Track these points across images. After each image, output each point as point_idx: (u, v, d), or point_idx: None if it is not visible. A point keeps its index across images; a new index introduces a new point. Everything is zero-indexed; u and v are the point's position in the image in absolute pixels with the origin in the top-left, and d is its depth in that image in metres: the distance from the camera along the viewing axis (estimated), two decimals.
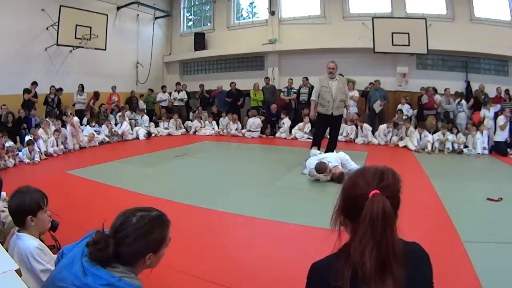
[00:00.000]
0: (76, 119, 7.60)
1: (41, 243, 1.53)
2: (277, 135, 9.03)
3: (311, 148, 5.56)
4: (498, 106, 7.44)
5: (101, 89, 9.63)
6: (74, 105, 9.02)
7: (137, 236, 1.10)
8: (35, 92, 7.92)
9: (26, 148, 5.97)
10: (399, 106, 8.57)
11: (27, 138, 6.25)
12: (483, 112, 7.55)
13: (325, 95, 5.37)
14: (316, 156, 4.81)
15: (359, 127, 8.26)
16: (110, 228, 1.13)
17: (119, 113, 9.11)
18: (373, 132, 8.18)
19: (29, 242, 1.47)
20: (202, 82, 11.18)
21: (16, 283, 0.95)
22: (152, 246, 1.13)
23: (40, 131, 6.72)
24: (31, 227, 1.54)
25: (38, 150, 6.12)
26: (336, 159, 4.63)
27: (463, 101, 8.19)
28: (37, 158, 5.95)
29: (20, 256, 1.43)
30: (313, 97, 5.61)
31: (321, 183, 4.41)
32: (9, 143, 5.97)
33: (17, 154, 5.88)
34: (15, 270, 1.03)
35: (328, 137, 5.78)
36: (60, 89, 8.49)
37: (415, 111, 8.66)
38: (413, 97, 8.83)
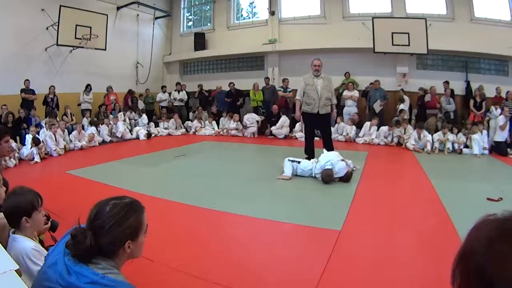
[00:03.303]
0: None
1: (37, 244, 1.53)
2: (273, 131, 8.98)
3: (305, 152, 5.47)
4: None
5: (101, 89, 9.63)
6: (79, 104, 9.05)
7: (112, 223, 1.11)
8: (33, 90, 7.90)
9: (34, 148, 5.97)
10: (401, 106, 8.56)
11: (27, 137, 6.25)
12: (492, 110, 7.54)
13: (311, 93, 5.27)
14: (310, 161, 4.79)
15: (373, 126, 8.13)
16: (86, 221, 1.14)
17: (119, 113, 9.12)
18: None
19: (25, 243, 1.47)
20: (202, 82, 11.18)
21: (16, 283, 0.95)
22: (129, 233, 1.14)
23: (43, 131, 6.73)
24: (26, 228, 1.54)
25: (37, 150, 6.10)
26: (326, 159, 4.54)
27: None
28: (37, 159, 5.93)
29: (17, 258, 1.43)
30: (297, 97, 5.44)
31: (320, 183, 4.40)
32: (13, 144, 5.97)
33: (19, 151, 5.91)
34: (15, 270, 1.03)
35: (322, 138, 5.67)
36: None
37: (415, 110, 8.67)
38: (413, 97, 8.81)
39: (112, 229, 1.11)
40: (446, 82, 8.43)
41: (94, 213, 1.14)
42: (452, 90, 8.27)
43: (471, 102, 8.09)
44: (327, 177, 4.33)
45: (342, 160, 4.58)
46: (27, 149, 6.05)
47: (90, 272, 1.03)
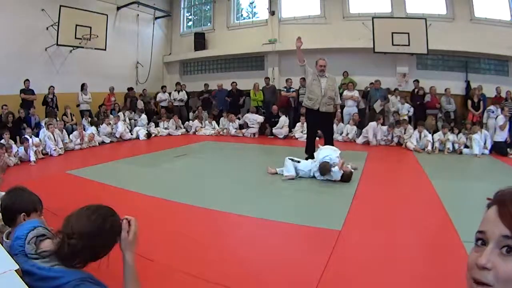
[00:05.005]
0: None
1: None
2: (274, 131, 8.99)
3: (306, 152, 5.47)
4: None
5: (101, 89, 9.62)
6: (78, 105, 9.02)
7: (93, 235, 1.13)
8: (32, 90, 7.89)
9: (31, 147, 5.93)
10: (398, 107, 8.56)
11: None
12: (494, 110, 7.55)
13: (315, 89, 5.27)
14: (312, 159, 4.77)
15: (379, 126, 8.03)
16: (62, 233, 1.13)
17: (119, 113, 9.11)
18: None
19: None
20: (202, 82, 11.14)
21: (16, 283, 0.95)
22: (110, 239, 1.20)
23: (43, 131, 6.72)
24: None
25: (35, 149, 6.03)
26: (331, 152, 4.55)
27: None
28: (33, 158, 5.84)
29: None
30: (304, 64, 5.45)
31: (320, 183, 4.40)
32: (13, 147, 5.92)
33: (17, 152, 5.89)
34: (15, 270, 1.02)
35: (323, 138, 5.66)
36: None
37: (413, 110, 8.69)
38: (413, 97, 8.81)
39: (94, 240, 1.13)
40: (416, 81, 8.62)
41: (70, 227, 1.13)
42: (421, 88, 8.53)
43: (469, 102, 8.09)
44: (323, 168, 4.33)
45: (339, 156, 4.56)
46: (20, 149, 5.96)
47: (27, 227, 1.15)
